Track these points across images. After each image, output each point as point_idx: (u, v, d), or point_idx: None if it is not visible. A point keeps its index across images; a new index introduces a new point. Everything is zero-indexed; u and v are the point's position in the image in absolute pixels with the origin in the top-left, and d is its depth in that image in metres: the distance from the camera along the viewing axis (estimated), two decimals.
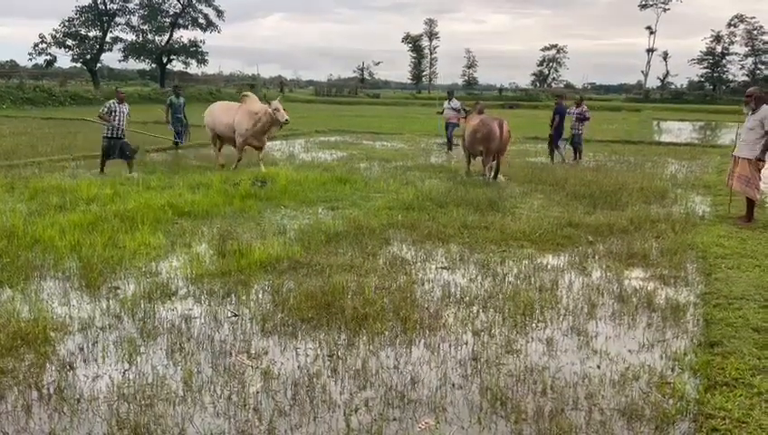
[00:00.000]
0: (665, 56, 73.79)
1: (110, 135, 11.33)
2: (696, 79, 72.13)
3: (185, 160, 13.65)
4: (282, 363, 4.12)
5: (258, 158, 12.47)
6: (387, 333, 4.59)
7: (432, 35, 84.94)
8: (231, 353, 4.23)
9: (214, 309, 5.00)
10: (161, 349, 4.30)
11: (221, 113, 12.57)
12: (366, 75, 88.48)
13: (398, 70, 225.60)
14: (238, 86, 56.37)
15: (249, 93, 13.02)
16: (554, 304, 5.25)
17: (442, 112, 17.86)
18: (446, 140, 17.59)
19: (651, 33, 71.03)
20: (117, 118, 11.23)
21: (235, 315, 4.89)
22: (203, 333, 4.54)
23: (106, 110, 11.29)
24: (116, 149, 11.37)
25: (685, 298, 5.44)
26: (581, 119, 14.99)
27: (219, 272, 5.83)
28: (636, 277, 6.04)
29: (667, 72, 74.67)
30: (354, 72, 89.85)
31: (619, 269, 6.23)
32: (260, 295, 5.30)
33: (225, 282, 5.58)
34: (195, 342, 4.40)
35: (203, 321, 4.79)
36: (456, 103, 17.34)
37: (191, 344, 4.36)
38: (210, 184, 10.02)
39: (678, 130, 27.49)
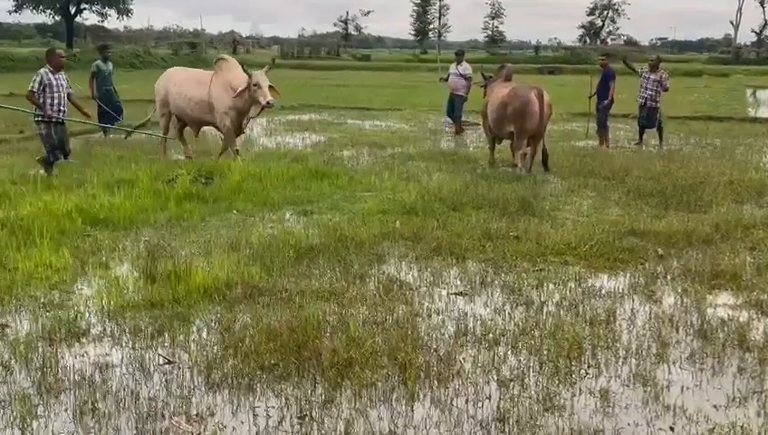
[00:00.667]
0: (762, 0, 74.37)
1: (47, 119, 10.51)
2: None
3: (100, 149, 13.65)
4: (234, 429, 4.11)
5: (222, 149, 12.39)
6: (379, 384, 4.59)
7: None
8: (163, 416, 4.22)
9: (140, 354, 4.99)
10: (66, 410, 4.27)
11: (186, 85, 12.31)
12: (351, 29, 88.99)
13: (395, 22, 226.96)
14: (175, 45, 56.52)
15: (227, 57, 12.83)
16: (611, 342, 5.25)
17: (446, 80, 17.92)
18: (450, 119, 17.67)
19: None
20: (55, 95, 10.46)
21: (169, 362, 4.88)
22: (124, 388, 4.53)
23: (38, 85, 10.34)
24: (62, 138, 10.75)
25: None
26: (659, 89, 15.08)
27: (147, 303, 5.82)
28: (723, 305, 6.06)
29: (765, 23, 75.35)
30: (335, 25, 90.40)
31: (701, 294, 6.25)
32: (204, 335, 5.29)
33: (156, 316, 5.58)
34: (113, 399, 4.39)
35: (124, 370, 4.77)
36: (465, 68, 17.38)
37: (108, 403, 4.34)
38: (135, 181, 10.03)
39: None
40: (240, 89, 11.49)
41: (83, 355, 4.99)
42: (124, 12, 58.87)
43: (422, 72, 45.07)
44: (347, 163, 12.33)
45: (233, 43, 69.01)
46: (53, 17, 57.59)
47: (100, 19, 59.49)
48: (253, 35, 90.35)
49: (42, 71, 10.49)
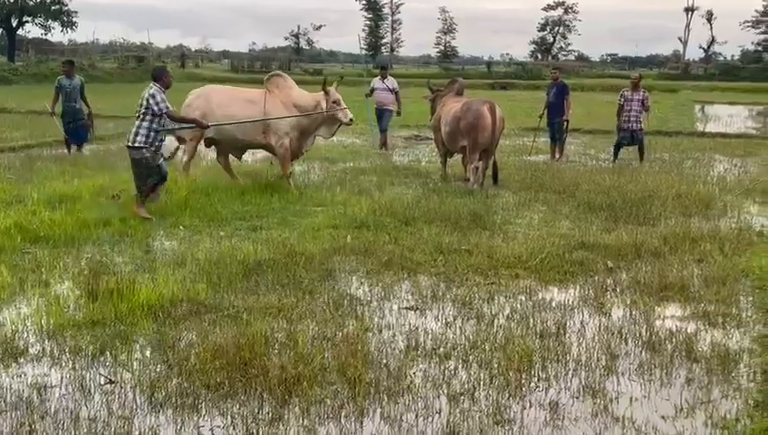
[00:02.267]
0: (709, 17, 76.60)
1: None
2: (752, 48, 74.93)
3: (42, 164, 13.39)
4: None
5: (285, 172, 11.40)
6: (328, 401, 4.57)
7: None
8: None
9: (80, 374, 4.90)
10: (2, 433, 4.18)
11: (235, 105, 11.14)
12: (303, 44, 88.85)
13: (347, 36, 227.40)
14: (121, 59, 55.90)
15: (282, 73, 12.14)
16: (561, 355, 5.31)
17: (371, 94, 17.32)
18: (377, 133, 17.22)
19: None
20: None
21: (111, 382, 4.80)
22: (64, 409, 4.44)
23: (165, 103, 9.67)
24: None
25: (737, 344, 5.59)
26: (642, 109, 15.06)
27: (89, 321, 5.73)
28: (671, 316, 6.18)
29: (713, 39, 77.64)
30: (286, 39, 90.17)
31: (649, 306, 6.37)
32: (147, 353, 5.23)
33: (97, 335, 5.49)
34: (51, 421, 4.31)
35: (64, 391, 4.69)
36: (392, 82, 16.91)
37: (46, 424, 4.26)
38: (78, 197, 9.86)
39: (729, 116, 28.43)
40: (318, 107, 10.99)
41: (21, 376, 4.88)
42: (68, 24, 58.02)
43: None
44: (297, 178, 12.30)
45: (181, 57, 68.51)
46: None
47: (43, 32, 58.58)
48: (202, 49, 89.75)
49: (154, 89, 9.31)
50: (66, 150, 14.92)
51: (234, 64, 68.81)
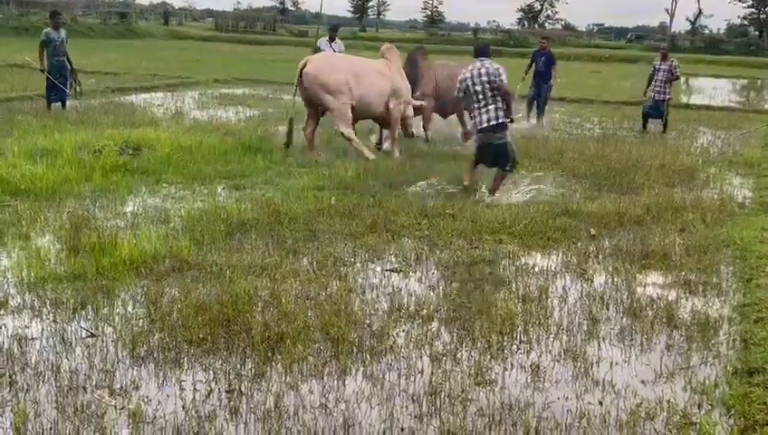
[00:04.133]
0: None
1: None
2: (738, 22, 75.05)
3: (23, 117, 13.20)
4: (159, 402, 4.06)
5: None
6: (311, 359, 4.58)
7: None
8: (85, 389, 4.14)
9: (61, 327, 4.87)
10: None
11: (369, 75, 11.04)
12: (289, 4, 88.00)
13: None
14: (103, 15, 54.95)
15: (391, 45, 12.05)
16: (542, 319, 5.35)
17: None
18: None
19: None
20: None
21: (92, 335, 4.79)
22: (44, 361, 4.43)
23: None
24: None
25: (717, 312, 5.64)
26: (670, 78, 15.32)
27: (70, 275, 5.70)
28: (652, 284, 6.23)
29: (700, 12, 77.49)
30: None
31: (631, 273, 6.41)
32: (129, 308, 5.21)
33: (79, 289, 5.45)
34: (32, 372, 4.28)
35: (45, 343, 4.66)
36: (339, 45, 16.00)
37: (26, 376, 4.24)
38: (60, 151, 9.74)
39: (713, 89, 28.48)
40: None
41: (1, 327, 4.84)
42: None
43: (360, 50, 44.79)
44: (282, 138, 12.19)
45: (163, 14, 67.53)
46: None
47: None
48: (185, 7, 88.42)
49: (494, 64, 8.98)
50: (47, 107, 14.29)
51: (218, 23, 67.91)
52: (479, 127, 8.91)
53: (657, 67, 15.49)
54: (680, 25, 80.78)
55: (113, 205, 7.83)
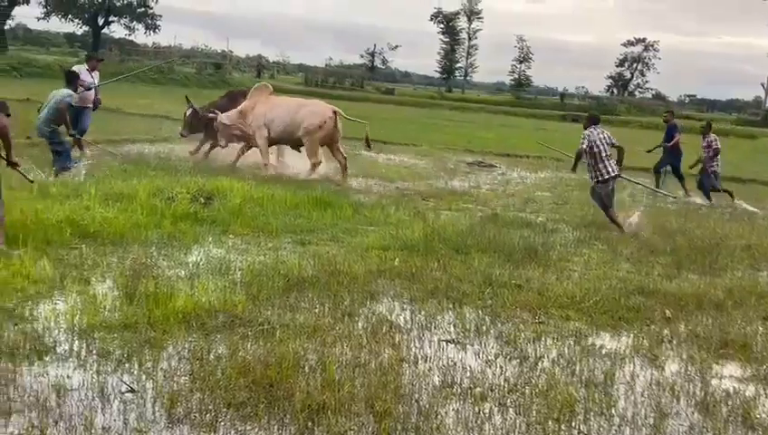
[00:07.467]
0: None
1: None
2: None
3: (107, 160, 13.53)
4: None
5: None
6: (351, 433, 4.34)
7: (473, 14, 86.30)
8: None
9: (102, 379, 4.78)
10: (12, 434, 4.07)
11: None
12: (378, 62, 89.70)
13: (422, 58, 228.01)
14: (199, 65, 57.00)
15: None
16: (605, 408, 4.99)
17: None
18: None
19: None
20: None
21: (132, 390, 4.67)
22: (79, 414, 4.32)
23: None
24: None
25: None
26: (714, 154, 15.78)
27: (121, 323, 5.64)
28: (729, 376, 5.78)
29: None
30: (362, 56, 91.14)
31: (706, 362, 5.97)
32: (173, 363, 5.09)
33: (127, 339, 5.38)
34: (64, 425, 4.18)
35: (82, 395, 4.57)
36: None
37: (58, 430, 4.13)
38: (134, 196, 9.86)
39: None
40: None
41: (43, 375, 4.78)
42: (152, 27, 59.68)
43: (445, 110, 45.07)
44: (353, 195, 12.15)
45: (257, 66, 69.62)
46: (81, 27, 58.32)
47: (127, 32, 60.28)
48: (279, 61, 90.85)
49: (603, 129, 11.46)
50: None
51: (307, 78, 69.60)
52: (607, 176, 10.93)
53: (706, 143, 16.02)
54: None
55: (177, 253, 7.82)
